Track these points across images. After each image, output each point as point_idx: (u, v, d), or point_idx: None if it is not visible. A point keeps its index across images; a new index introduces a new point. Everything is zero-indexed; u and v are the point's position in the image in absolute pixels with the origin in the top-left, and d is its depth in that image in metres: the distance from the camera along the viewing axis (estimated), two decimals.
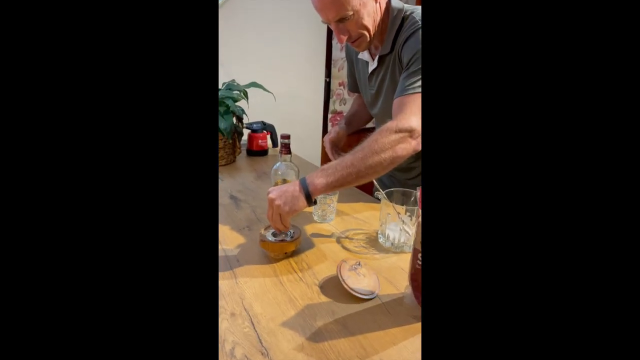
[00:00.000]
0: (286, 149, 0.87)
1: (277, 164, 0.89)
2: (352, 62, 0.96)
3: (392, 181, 1.02)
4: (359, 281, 0.59)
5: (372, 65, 0.83)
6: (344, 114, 1.03)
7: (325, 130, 2.20)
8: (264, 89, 1.34)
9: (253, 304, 0.56)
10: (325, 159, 2.30)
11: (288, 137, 0.87)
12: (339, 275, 0.59)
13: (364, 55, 0.85)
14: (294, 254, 0.70)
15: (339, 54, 2.07)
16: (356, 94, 1.06)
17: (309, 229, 0.81)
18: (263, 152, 1.38)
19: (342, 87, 2.16)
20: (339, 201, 0.90)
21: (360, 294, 0.57)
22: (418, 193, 0.50)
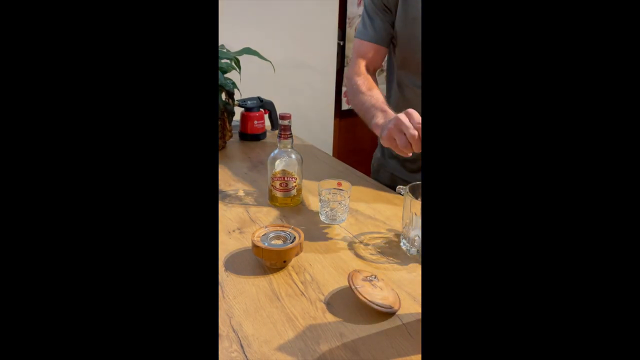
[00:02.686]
0: (286, 132, 0.89)
1: (275, 151, 0.90)
2: None
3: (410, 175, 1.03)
4: (375, 292, 0.60)
5: None
6: (378, 105, 0.89)
7: (339, 107, 2.20)
8: (260, 57, 1.35)
9: (243, 323, 0.58)
10: (339, 146, 2.30)
11: (289, 117, 0.88)
12: (351, 284, 0.60)
13: None
14: (294, 262, 0.72)
15: (355, 9, 2.05)
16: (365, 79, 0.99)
17: (315, 232, 0.82)
18: (260, 136, 1.39)
19: None
20: (353, 198, 0.91)
21: (377, 305, 0.58)
22: None
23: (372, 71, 1.05)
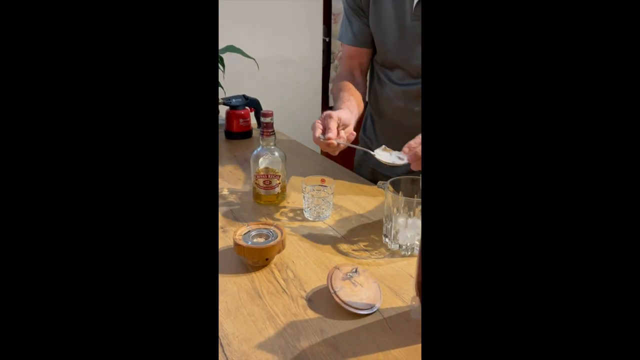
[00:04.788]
0: (268, 129, 0.88)
1: (258, 149, 0.90)
2: None
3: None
4: (355, 292, 0.60)
5: None
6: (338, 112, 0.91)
7: (325, 104, 2.20)
8: (244, 54, 1.34)
9: (223, 321, 0.58)
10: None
11: (271, 114, 0.88)
12: (329, 286, 0.60)
13: None
14: (277, 260, 0.71)
15: (340, 5, 2.04)
16: (341, 82, 1.03)
17: (299, 229, 0.82)
18: (246, 134, 1.39)
19: None
20: (337, 193, 0.91)
21: (356, 308, 0.58)
22: None
23: (358, 71, 1.07)
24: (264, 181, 0.90)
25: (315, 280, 0.66)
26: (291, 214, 0.88)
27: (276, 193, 0.91)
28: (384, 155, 0.82)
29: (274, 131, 0.89)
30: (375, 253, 0.74)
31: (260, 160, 0.90)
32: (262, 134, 0.89)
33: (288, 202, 0.93)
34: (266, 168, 0.90)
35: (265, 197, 0.91)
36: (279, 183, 0.91)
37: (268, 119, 0.88)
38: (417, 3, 0.89)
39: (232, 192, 0.98)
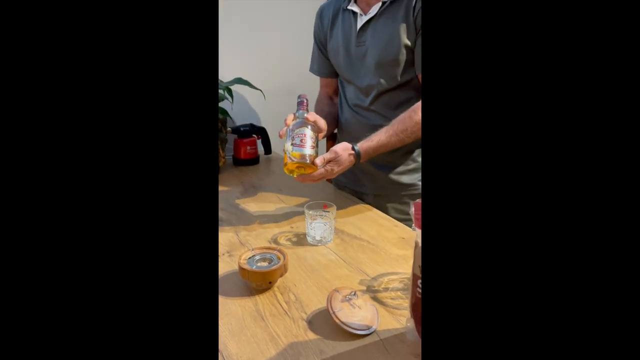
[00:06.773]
0: (302, 105, 0.96)
1: (295, 122, 0.93)
2: (324, 31, 1.15)
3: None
4: (353, 314, 0.63)
5: (366, 18, 1.04)
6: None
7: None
8: (251, 86, 1.40)
9: (228, 342, 0.60)
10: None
11: (305, 95, 0.97)
12: (329, 308, 0.63)
13: (355, 6, 1.06)
14: (280, 283, 0.74)
15: None
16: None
17: (301, 253, 0.85)
18: (253, 161, 1.43)
19: None
20: (339, 218, 0.94)
21: (354, 328, 0.61)
22: (412, 208, 0.54)
23: (333, 95, 1.26)
24: (301, 140, 0.89)
25: (315, 303, 0.69)
26: (295, 239, 0.91)
27: (307, 153, 0.89)
28: None
29: (307, 108, 0.96)
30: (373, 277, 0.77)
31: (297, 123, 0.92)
32: (299, 109, 0.95)
33: (292, 227, 0.96)
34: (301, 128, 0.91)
35: (294, 154, 0.89)
36: (313, 146, 0.90)
37: (304, 98, 0.96)
38: (357, 32, 1.05)
39: (238, 217, 1.01)
